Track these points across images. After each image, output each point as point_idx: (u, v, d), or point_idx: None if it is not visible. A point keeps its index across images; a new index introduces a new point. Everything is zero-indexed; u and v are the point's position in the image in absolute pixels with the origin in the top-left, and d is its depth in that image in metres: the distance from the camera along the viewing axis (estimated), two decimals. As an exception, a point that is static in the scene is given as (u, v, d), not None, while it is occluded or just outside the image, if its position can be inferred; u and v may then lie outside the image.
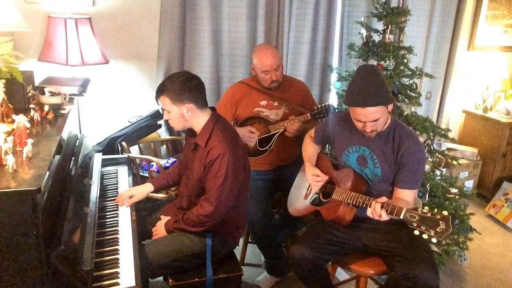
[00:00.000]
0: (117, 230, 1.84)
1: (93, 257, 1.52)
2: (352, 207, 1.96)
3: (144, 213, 2.17)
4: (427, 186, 2.62)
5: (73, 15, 2.66)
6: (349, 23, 3.36)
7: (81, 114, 2.46)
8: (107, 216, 1.95)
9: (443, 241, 1.58)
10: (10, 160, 1.38)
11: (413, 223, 1.64)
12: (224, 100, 2.63)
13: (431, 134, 2.64)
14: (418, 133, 2.55)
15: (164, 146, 3.24)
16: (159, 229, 2.01)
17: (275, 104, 2.59)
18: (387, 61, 2.62)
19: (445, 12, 3.59)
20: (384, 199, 1.76)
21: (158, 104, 1.95)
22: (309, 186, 2.21)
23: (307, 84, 3.01)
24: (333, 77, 3.34)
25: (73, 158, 1.96)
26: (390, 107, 1.90)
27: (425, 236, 1.60)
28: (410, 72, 2.66)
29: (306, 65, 3.33)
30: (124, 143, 2.77)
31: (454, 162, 2.86)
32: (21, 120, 1.54)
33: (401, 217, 1.68)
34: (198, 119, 1.93)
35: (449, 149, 3.43)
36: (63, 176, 1.75)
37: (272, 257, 2.58)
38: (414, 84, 2.70)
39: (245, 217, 2.14)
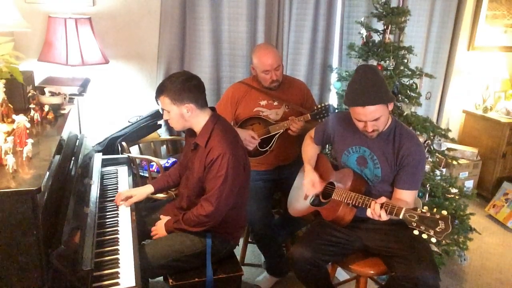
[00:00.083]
0: (117, 230, 1.84)
1: (93, 257, 1.52)
2: (352, 208, 1.95)
3: (144, 213, 2.17)
4: (427, 186, 2.62)
5: (73, 15, 2.66)
6: (349, 23, 3.36)
7: (81, 114, 2.46)
8: (107, 216, 1.95)
9: (443, 241, 1.58)
10: (10, 160, 1.38)
11: (413, 223, 1.64)
12: (224, 100, 2.63)
13: (431, 134, 2.64)
14: (418, 133, 2.55)
15: (164, 146, 3.24)
16: (159, 229, 2.01)
17: (275, 104, 2.59)
18: (387, 61, 2.62)
19: (445, 12, 3.59)
20: (383, 199, 1.76)
21: (158, 104, 1.95)
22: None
23: (307, 84, 3.01)
24: (333, 77, 3.34)
25: (73, 158, 1.96)
26: (391, 106, 1.90)
27: (424, 236, 1.60)
28: (410, 72, 2.66)
29: (306, 65, 3.33)
30: (124, 143, 2.77)
31: (454, 162, 2.86)
32: (21, 120, 1.54)
33: (401, 217, 1.68)
34: (198, 119, 1.93)
35: (449, 149, 3.43)
36: (63, 176, 1.75)
37: (272, 257, 2.58)
38: (414, 84, 2.69)
39: (245, 217, 2.14)
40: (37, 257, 1.30)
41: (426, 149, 2.62)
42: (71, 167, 1.88)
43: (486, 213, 3.67)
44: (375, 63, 2.64)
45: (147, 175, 2.71)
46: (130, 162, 2.53)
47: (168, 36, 3.01)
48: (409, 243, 1.89)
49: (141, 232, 2.00)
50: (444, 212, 1.61)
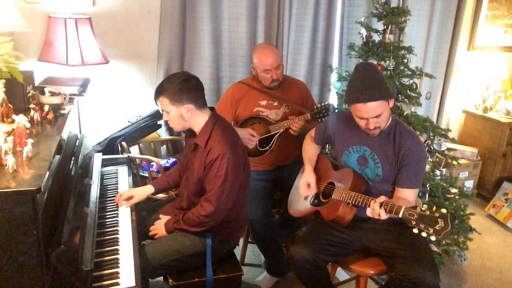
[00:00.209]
0: (117, 230, 1.84)
1: (93, 257, 1.52)
2: (352, 207, 1.95)
3: (144, 213, 2.17)
4: (427, 186, 2.62)
5: (73, 15, 2.66)
6: (349, 23, 3.36)
7: (81, 114, 2.45)
8: (107, 216, 1.95)
9: (443, 240, 1.59)
10: (10, 160, 1.38)
11: (412, 221, 1.63)
12: (224, 100, 2.63)
13: (431, 134, 2.64)
14: (418, 133, 2.55)
15: (164, 146, 3.24)
16: (159, 228, 2.01)
17: (275, 104, 2.59)
18: (387, 61, 2.62)
19: (445, 12, 3.59)
20: (382, 198, 1.76)
21: (157, 105, 1.95)
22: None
23: (307, 84, 3.02)
24: (333, 77, 3.34)
25: (73, 158, 1.96)
26: (391, 103, 1.90)
27: (424, 234, 1.60)
28: (410, 72, 2.66)
29: (306, 65, 3.33)
30: (124, 143, 2.77)
31: (454, 162, 2.86)
32: (21, 120, 1.54)
33: (400, 215, 1.68)
34: (198, 119, 1.93)
35: (449, 149, 3.43)
36: (63, 176, 1.75)
37: (272, 257, 2.58)
38: (414, 84, 2.69)
39: (245, 217, 2.14)
40: (37, 257, 1.30)
41: (426, 149, 2.62)
42: (71, 167, 1.88)
43: (486, 213, 3.67)
44: (375, 63, 2.64)
45: (147, 175, 2.71)
46: (130, 162, 2.53)
47: (168, 36, 3.01)
48: (409, 243, 1.89)
49: (141, 232, 2.00)
50: (443, 210, 1.61)
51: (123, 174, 2.38)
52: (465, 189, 3.13)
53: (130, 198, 2.05)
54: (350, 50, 2.84)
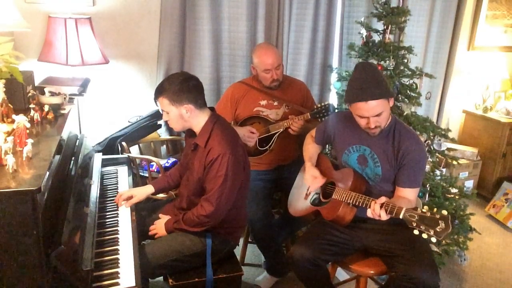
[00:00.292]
0: (117, 230, 1.84)
1: (93, 257, 1.52)
2: (352, 207, 1.95)
3: (144, 213, 2.17)
4: (427, 186, 2.62)
5: (73, 15, 2.66)
6: (349, 23, 3.36)
7: (81, 114, 2.46)
8: (107, 216, 1.95)
9: (443, 240, 1.58)
10: (10, 160, 1.38)
11: (413, 223, 1.63)
12: (224, 100, 2.64)
13: (431, 134, 2.64)
14: (418, 133, 2.55)
15: (164, 146, 3.24)
16: (159, 228, 2.01)
17: (275, 103, 2.59)
18: (387, 61, 2.62)
19: (445, 12, 3.59)
20: (383, 199, 1.76)
21: (157, 105, 1.95)
22: (309, 186, 2.21)
23: (307, 84, 3.02)
24: (333, 77, 3.34)
25: (73, 158, 1.96)
26: (391, 102, 1.90)
27: (424, 235, 1.60)
28: (410, 72, 2.66)
29: (306, 65, 3.33)
30: (124, 143, 2.77)
31: (454, 162, 2.86)
32: (21, 120, 1.54)
33: (401, 216, 1.68)
34: (198, 119, 1.93)
35: (449, 149, 3.43)
36: (63, 176, 1.75)
37: (272, 257, 2.58)
38: (414, 84, 2.69)
39: (245, 217, 2.14)
40: (37, 257, 1.30)
41: (426, 149, 2.62)
42: (71, 167, 1.88)
43: (486, 213, 3.67)
44: (375, 63, 2.64)
45: (147, 175, 2.71)
46: (130, 162, 2.53)
47: (168, 36, 3.01)
48: (409, 243, 1.89)
49: (141, 232, 2.00)
50: (444, 212, 1.61)
51: (123, 174, 2.38)
52: (465, 189, 3.13)
53: (130, 198, 2.05)
54: (350, 50, 2.84)
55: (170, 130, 3.15)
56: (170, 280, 1.91)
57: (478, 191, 3.33)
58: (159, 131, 3.10)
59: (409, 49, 2.64)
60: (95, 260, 1.57)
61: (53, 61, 2.60)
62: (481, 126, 3.99)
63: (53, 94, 2.14)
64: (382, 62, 2.63)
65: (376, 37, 2.75)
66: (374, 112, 1.83)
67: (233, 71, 3.23)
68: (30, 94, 1.98)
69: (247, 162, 2.00)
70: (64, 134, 1.82)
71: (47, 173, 1.38)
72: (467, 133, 4.14)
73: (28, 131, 1.57)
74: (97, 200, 1.94)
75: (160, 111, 1.96)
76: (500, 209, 3.59)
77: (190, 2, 3.00)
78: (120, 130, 2.88)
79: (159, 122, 3.01)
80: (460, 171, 3.79)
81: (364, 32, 2.76)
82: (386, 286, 1.95)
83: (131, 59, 3.06)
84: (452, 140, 2.90)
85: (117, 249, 1.71)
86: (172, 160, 2.92)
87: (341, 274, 2.66)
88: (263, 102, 2.59)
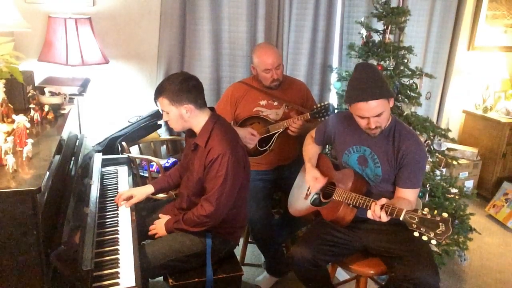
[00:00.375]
0: (117, 230, 1.84)
1: (93, 257, 1.52)
2: (353, 208, 1.95)
3: (144, 213, 2.17)
4: (427, 186, 2.63)
5: (73, 15, 2.66)
6: (349, 23, 3.36)
7: (81, 114, 2.46)
8: (107, 216, 1.95)
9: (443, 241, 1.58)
10: (10, 160, 1.38)
11: (413, 225, 1.63)
12: (223, 100, 2.63)
13: (431, 134, 2.64)
14: (418, 133, 2.55)
15: (164, 146, 3.24)
16: (159, 228, 2.01)
17: (275, 104, 2.59)
18: (387, 61, 2.62)
19: (445, 12, 3.59)
20: (383, 200, 1.76)
21: (157, 106, 1.95)
22: (309, 186, 2.21)
23: (307, 84, 3.02)
24: (333, 77, 3.34)
25: (73, 158, 1.96)
26: (391, 102, 1.90)
27: (425, 237, 1.60)
28: (410, 72, 2.66)
29: (306, 65, 3.33)
30: (124, 143, 2.77)
31: (454, 162, 2.86)
32: (21, 120, 1.54)
33: (401, 218, 1.68)
34: (198, 119, 1.93)
35: (449, 149, 3.44)
36: (63, 176, 1.75)
37: (272, 257, 2.58)
38: (414, 84, 2.70)
39: (245, 217, 2.14)
40: (37, 257, 1.30)
41: (426, 149, 2.62)
42: (71, 167, 1.88)
43: (486, 213, 3.67)
44: (375, 63, 2.64)
45: (147, 175, 2.71)
46: (130, 162, 2.53)
47: (168, 36, 3.01)
48: (409, 243, 1.89)
49: (141, 232, 2.00)
50: (445, 214, 1.60)
51: (123, 174, 2.38)
52: (465, 189, 3.13)
53: (130, 198, 2.05)
54: (350, 50, 2.84)
55: (170, 130, 3.15)
56: (170, 280, 1.91)
57: (478, 191, 3.34)
58: (159, 131, 3.10)
59: (409, 49, 2.64)
60: (95, 260, 1.57)
61: (53, 61, 2.60)
62: (481, 126, 3.99)
63: (53, 94, 2.14)
64: (382, 62, 2.63)
65: (376, 37, 2.75)
66: (374, 113, 1.83)
67: (233, 71, 3.23)
68: (30, 94, 1.98)
69: (247, 162, 2.00)
70: (64, 134, 1.82)
71: (47, 173, 1.38)
72: (467, 133, 4.14)
73: (28, 131, 1.57)
74: (97, 200, 1.94)
75: (160, 111, 1.96)
76: (500, 209, 3.59)
77: (190, 2, 3.00)
78: (120, 130, 2.88)
79: (159, 122, 3.01)
80: (460, 171, 3.79)
81: (364, 32, 2.76)
82: (386, 286, 1.94)
83: (131, 59, 3.06)
84: (452, 140, 2.90)
85: (117, 249, 1.71)
86: (172, 160, 2.92)
87: (341, 274, 2.66)
88: (263, 102, 2.59)
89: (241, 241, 2.68)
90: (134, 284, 1.53)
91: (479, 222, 3.44)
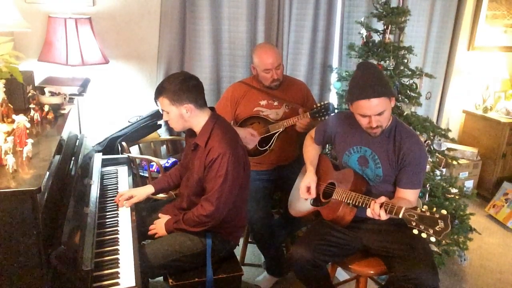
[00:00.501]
0: (117, 230, 1.84)
1: (93, 257, 1.52)
2: (352, 208, 1.95)
3: (144, 213, 2.17)
4: (427, 186, 2.62)
5: (73, 15, 2.66)
6: (349, 23, 3.36)
7: (81, 114, 2.46)
8: (107, 216, 1.95)
9: (443, 240, 1.58)
10: (10, 160, 1.38)
11: (412, 222, 1.63)
12: (224, 100, 2.63)
13: (431, 134, 2.64)
14: (418, 133, 2.55)
15: (164, 146, 3.24)
16: (159, 228, 2.01)
17: (275, 103, 2.59)
18: (387, 61, 2.62)
19: (445, 12, 3.59)
20: (383, 199, 1.76)
21: (157, 105, 1.95)
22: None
23: (307, 84, 3.01)
24: (333, 77, 3.34)
25: (73, 158, 1.96)
26: (393, 102, 1.90)
27: (423, 235, 1.60)
28: (410, 72, 2.66)
29: (306, 65, 3.33)
30: (124, 143, 2.77)
31: (454, 162, 2.86)
32: (21, 120, 1.54)
33: (400, 216, 1.68)
34: (198, 119, 1.93)
35: (449, 149, 3.43)
36: (63, 176, 1.75)
37: (272, 257, 2.58)
38: (414, 84, 2.69)
39: (245, 217, 2.14)
40: (37, 257, 1.30)
41: (426, 149, 2.62)
42: (71, 167, 1.88)
43: (486, 213, 3.67)
44: (375, 63, 2.64)
45: (147, 175, 2.71)
46: (130, 162, 2.53)
47: (168, 36, 3.01)
48: (408, 243, 1.89)
49: (141, 232, 2.00)
50: (444, 212, 1.61)
51: (123, 174, 2.38)
52: (465, 189, 3.14)
53: (130, 198, 2.05)
54: (350, 50, 2.84)
55: (170, 130, 3.15)
56: (170, 280, 1.91)
57: (478, 191, 3.34)
58: (159, 131, 3.10)
59: (409, 49, 2.64)
60: (95, 260, 1.57)
61: (53, 61, 2.60)
62: (481, 126, 3.99)
63: (53, 94, 2.14)
64: (382, 62, 2.63)
65: (376, 37, 2.75)
66: (376, 111, 1.83)
67: (233, 71, 3.23)
68: (30, 94, 1.98)
69: (247, 162, 2.00)
70: (64, 134, 1.82)
71: (47, 173, 1.38)
72: (467, 133, 4.14)
73: (28, 131, 1.57)
74: (97, 200, 1.94)
75: (160, 111, 1.96)
76: (500, 209, 3.59)
77: (190, 2, 3.00)
78: (120, 130, 2.88)
79: (159, 122, 3.01)
80: (460, 171, 3.79)
81: (364, 32, 2.76)
82: (386, 286, 1.94)
83: (131, 59, 3.06)
84: (452, 140, 2.90)
85: (117, 249, 1.71)
86: (172, 160, 2.92)
87: (341, 274, 2.66)
88: (263, 102, 2.59)
89: (241, 241, 2.68)
90: (134, 284, 1.53)
91: (479, 222, 3.44)
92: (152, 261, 1.86)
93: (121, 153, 2.74)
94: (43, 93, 2.12)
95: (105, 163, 2.42)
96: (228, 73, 3.24)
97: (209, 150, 1.88)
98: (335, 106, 2.92)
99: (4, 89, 1.75)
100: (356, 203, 1.87)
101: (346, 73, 3.04)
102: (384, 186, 2.01)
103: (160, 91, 1.89)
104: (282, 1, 3.11)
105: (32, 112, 1.86)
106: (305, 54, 3.30)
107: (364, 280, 2.07)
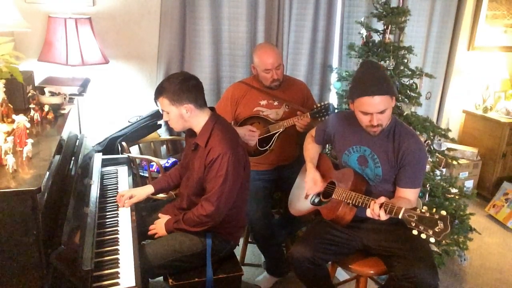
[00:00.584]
0: (117, 230, 1.84)
1: (93, 257, 1.52)
2: (352, 207, 1.95)
3: (144, 213, 2.17)
4: (427, 186, 2.62)
5: (73, 15, 2.66)
6: (349, 23, 3.36)
7: (81, 114, 2.46)
8: (107, 216, 1.95)
9: (443, 240, 1.58)
10: (10, 160, 1.38)
11: (412, 223, 1.63)
12: (224, 100, 2.64)
13: (431, 134, 2.64)
14: (418, 133, 2.55)
15: (164, 146, 3.24)
16: (159, 228, 2.01)
17: (275, 103, 2.59)
18: (387, 61, 2.62)
19: (445, 12, 3.59)
20: (382, 199, 1.76)
21: (157, 106, 1.95)
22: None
23: (307, 84, 3.01)
24: (333, 77, 3.34)
25: (73, 158, 1.96)
26: (394, 102, 1.90)
27: (423, 235, 1.60)
28: (410, 72, 2.66)
29: (306, 65, 3.33)
30: (124, 143, 2.77)
31: (454, 162, 2.86)
32: (21, 120, 1.54)
33: (400, 216, 1.68)
34: (198, 119, 1.93)
35: (449, 149, 3.43)
36: (63, 176, 1.75)
37: (272, 257, 2.58)
38: (414, 84, 2.70)
39: (245, 217, 2.14)
40: (37, 257, 1.30)
41: (426, 149, 2.62)
42: (71, 167, 1.88)
43: (486, 213, 3.67)
44: (375, 63, 2.65)
45: (147, 175, 2.71)
46: (130, 162, 2.53)
47: (168, 36, 3.01)
48: (408, 243, 1.89)
49: (141, 232, 2.00)
50: (443, 212, 1.61)
51: (123, 174, 2.38)
52: (465, 189, 3.13)
53: (130, 198, 2.05)
54: (350, 50, 2.84)
55: (170, 130, 3.15)
56: (170, 280, 1.91)
57: (478, 191, 3.34)
58: (159, 131, 3.10)
59: (409, 49, 2.64)
60: (95, 260, 1.57)
61: (53, 61, 2.60)
62: (481, 126, 3.99)
63: (53, 94, 2.14)
64: (382, 62, 2.63)
65: (376, 37, 2.75)
66: (378, 109, 1.83)
67: (233, 71, 3.23)
68: (30, 94, 1.98)
69: (247, 162, 2.00)
70: (64, 134, 1.82)
71: (47, 173, 1.38)
72: (467, 133, 4.14)
73: (28, 131, 1.57)
74: (97, 200, 1.94)
75: (160, 111, 1.96)
76: (500, 209, 3.59)
77: (190, 2, 3.00)
78: (120, 130, 2.88)
79: (159, 122, 3.01)
80: (460, 171, 3.79)
81: (364, 32, 2.76)
82: (386, 286, 1.94)
83: (131, 59, 3.06)
84: (452, 140, 2.90)
85: (117, 249, 1.71)
86: (172, 160, 2.92)
87: (341, 274, 2.66)
88: (263, 102, 2.59)
89: (241, 241, 2.68)
90: (134, 284, 1.53)
91: (479, 222, 3.44)
92: (152, 261, 1.86)
93: (121, 153, 2.74)
94: (43, 93, 2.12)
95: (105, 163, 2.42)
96: (228, 73, 3.24)
97: (209, 150, 1.88)
98: (335, 106, 2.92)
99: (4, 89, 1.74)
100: (356, 203, 1.88)
101: (346, 73, 3.04)
102: (384, 186, 2.01)
103: (160, 91, 1.89)
104: (282, 1, 3.11)
105: (32, 112, 1.86)
106: (305, 54, 3.30)
107: (364, 280, 2.07)
